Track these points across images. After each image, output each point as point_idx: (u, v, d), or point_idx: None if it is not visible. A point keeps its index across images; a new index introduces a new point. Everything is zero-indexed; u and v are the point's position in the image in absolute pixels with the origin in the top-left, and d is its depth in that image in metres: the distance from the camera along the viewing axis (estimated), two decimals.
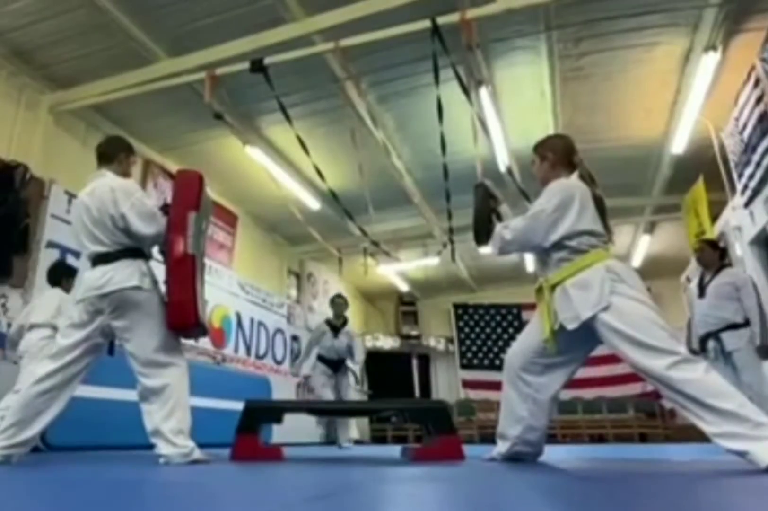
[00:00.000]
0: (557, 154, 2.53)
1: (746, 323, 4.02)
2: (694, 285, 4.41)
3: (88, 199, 2.68)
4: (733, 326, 4.03)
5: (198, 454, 2.53)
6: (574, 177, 2.46)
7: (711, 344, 4.10)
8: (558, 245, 2.32)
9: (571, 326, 2.24)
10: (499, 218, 2.62)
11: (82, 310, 2.62)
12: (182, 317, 2.62)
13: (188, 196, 2.73)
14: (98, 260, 2.65)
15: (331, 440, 7.75)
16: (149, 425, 2.54)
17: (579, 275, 2.25)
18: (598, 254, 2.28)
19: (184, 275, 2.63)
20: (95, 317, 2.60)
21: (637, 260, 10.41)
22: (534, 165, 2.63)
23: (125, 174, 2.87)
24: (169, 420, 2.51)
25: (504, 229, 2.44)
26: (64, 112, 5.81)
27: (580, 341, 2.33)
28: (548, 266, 2.41)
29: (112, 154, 2.85)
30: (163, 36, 5.32)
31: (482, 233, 2.59)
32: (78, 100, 5.72)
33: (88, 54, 5.43)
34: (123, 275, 2.59)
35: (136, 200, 2.65)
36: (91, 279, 2.62)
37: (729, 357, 4.00)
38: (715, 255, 4.37)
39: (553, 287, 2.36)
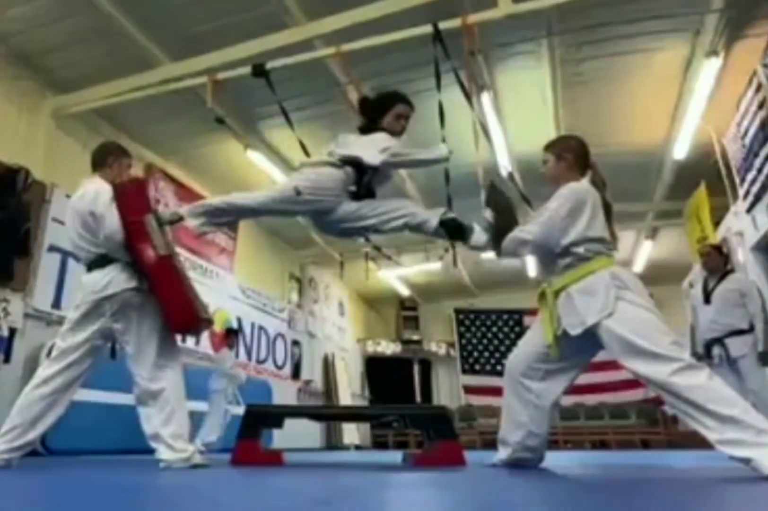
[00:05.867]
0: (576, 156, 2.50)
1: (751, 329, 4.01)
2: (697, 291, 4.39)
3: (78, 203, 2.70)
4: (738, 332, 4.02)
5: (198, 458, 2.53)
6: (585, 181, 2.44)
7: (716, 350, 4.08)
8: (565, 251, 2.31)
9: (574, 331, 2.23)
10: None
11: (82, 312, 2.62)
12: (182, 315, 2.63)
13: (136, 203, 2.71)
14: (94, 263, 2.66)
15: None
16: (148, 430, 2.54)
17: (584, 281, 2.24)
18: (602, 261, 2.27)
19: (167, 276, 2.64)
20: (96, 319, 2.61)
21: (639, 266, 10.40)
22: (546, 164, 2.56)
23: (119, 178, 2.86)
24: (169, 425, 2.51)
25: (520, 232, 2.42)
26: (65, 116, 5.81)
27: (581, 347, 2.32)
28: (552, 272, 2.39)
29: (101, 159, 2.87)
30: (165, 40, 5.33)
31: (505, 234, 2.49)
32: (80, 104, 5.73)
33: (90, 58, 5.45)
34: (122, 277, 2.61)
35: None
36: (90, 282, 2.62)
37: (734, 363, 3.99)
38: (721, 260, 4.36)
39: (556, 293, 2.35)
